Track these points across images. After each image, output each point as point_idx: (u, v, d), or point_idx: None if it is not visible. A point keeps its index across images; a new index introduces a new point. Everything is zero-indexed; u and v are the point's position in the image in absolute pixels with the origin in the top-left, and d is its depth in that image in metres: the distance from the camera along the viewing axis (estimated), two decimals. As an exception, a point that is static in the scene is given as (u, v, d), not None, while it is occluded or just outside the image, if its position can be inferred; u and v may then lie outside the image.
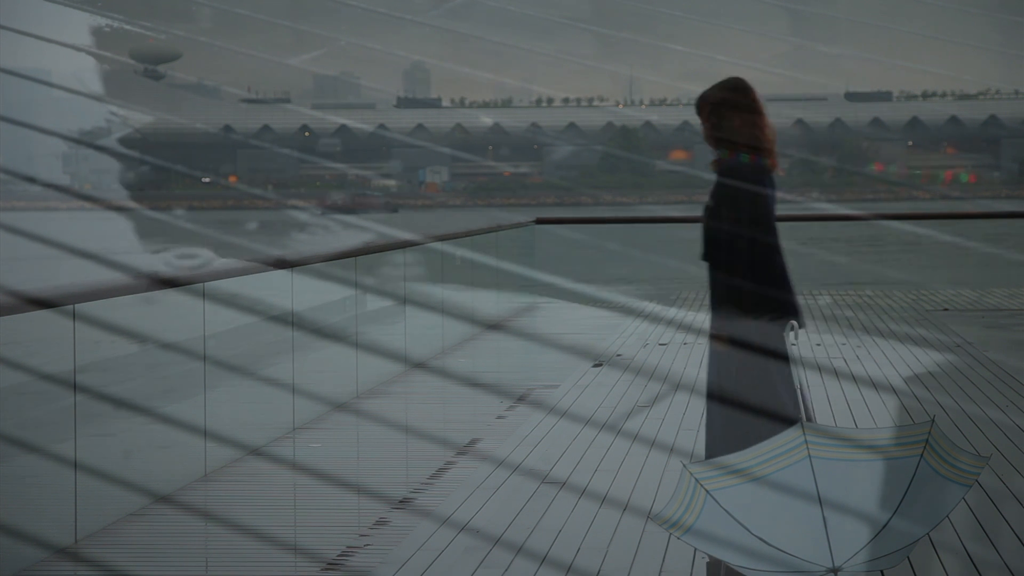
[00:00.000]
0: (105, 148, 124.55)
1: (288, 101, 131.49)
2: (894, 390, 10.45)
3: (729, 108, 5.80)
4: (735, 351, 5.87)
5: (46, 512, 6.70)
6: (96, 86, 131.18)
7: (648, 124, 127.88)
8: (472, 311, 15.19)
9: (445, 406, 10.70)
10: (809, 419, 5.83)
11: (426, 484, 7.61)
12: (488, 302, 16.09)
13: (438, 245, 14.10)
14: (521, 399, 10.36)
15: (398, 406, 10.34)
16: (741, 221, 5.81)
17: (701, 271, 5.82)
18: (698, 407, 9.83)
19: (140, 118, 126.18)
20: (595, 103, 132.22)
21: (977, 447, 8.11)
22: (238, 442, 8.40)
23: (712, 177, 5.85)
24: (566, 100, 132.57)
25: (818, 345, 13.16)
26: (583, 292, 19.79)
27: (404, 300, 12.35)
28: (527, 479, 7.57)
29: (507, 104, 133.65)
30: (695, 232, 5.99)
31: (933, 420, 4.82)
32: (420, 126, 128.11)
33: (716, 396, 5.92)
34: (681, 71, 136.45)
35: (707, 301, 6.09)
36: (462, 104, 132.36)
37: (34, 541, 6.28)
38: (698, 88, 5.88)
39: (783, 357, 6.04)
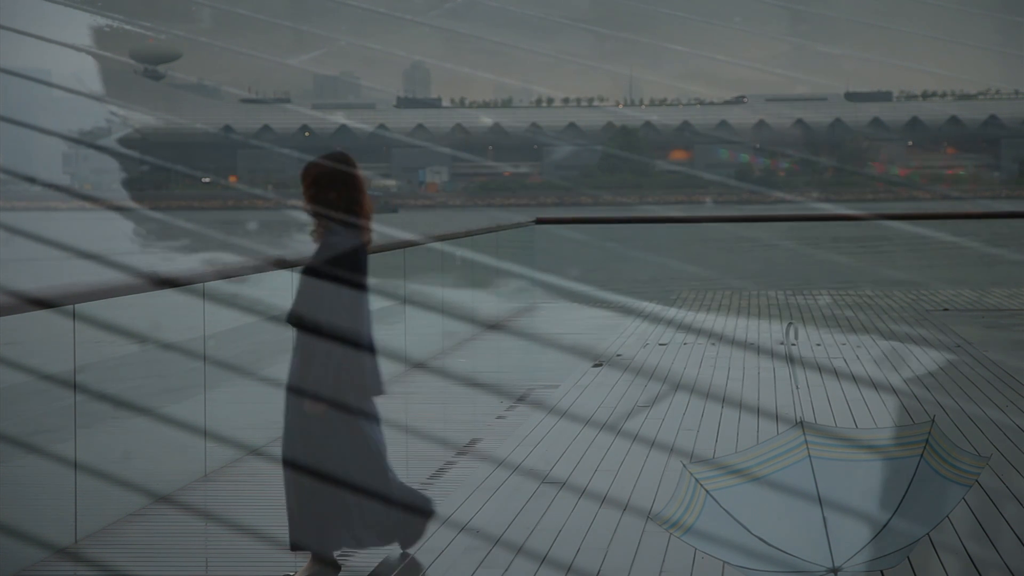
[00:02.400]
0: (105, 148, 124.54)
1: (288, 101, 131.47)
2: (894, 390, 10.44)
3: (328, 181, 5.88)
4: (328, 418, 5.93)
5: (46, 512, 6.70)
6: (96, 86, 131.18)
7: (648, 124, 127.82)
8: (472, 311, 15.19)
9: (445, 406, 10.70)
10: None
11: (426, 484, 7.61)
12: (488, 302, 16.09)
13: (438, 245, 14.10)
14: (521, 399, 10.36)
15: (398, 406, 10.34)
16: (334, 301, 5.90)
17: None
18: (698, 407, 9.83)
19: (140, 118, 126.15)
20: (595, 103, 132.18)
21: (977, 447, 8.11)
22: (238, 442, 8.40)
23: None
24: (566, 100, 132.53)
25: (818, 345, 13.16)
26: (583, 292, 19.80)
27: (404, 300, 12.35)
28: (527, 479, 7.57)
29: (507, 104, 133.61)
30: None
31: (933, 420, 4.82)
32: (420, 126, 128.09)
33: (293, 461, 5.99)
34: (681, 71, 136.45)
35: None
36: (462, 104, 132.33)
37: (34, 541, 6.28)
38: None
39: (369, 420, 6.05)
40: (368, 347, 6.01)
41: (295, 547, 5.97)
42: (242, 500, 7.44)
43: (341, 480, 5.94)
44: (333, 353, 5.83)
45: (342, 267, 5.88)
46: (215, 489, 7.60)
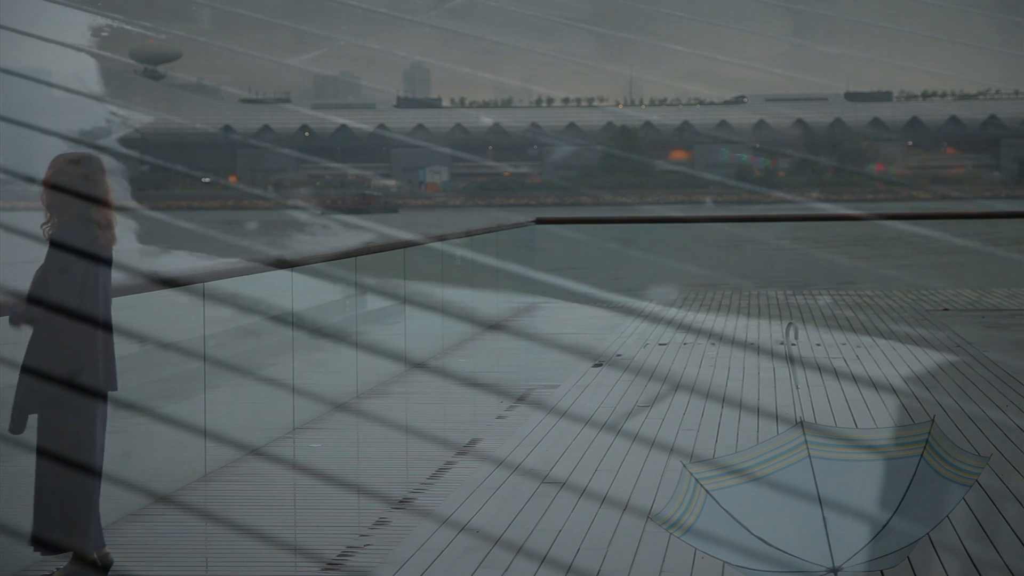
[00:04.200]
0: (105, 148, 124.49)
1: (288, 101, 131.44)
2: (894, 390, 10.44)
3: (68, 178, 5.88)
4: (56, 417, 5.87)
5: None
6: (96, 86, 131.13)
7: (648, 124, 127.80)
8: (472, 311, 15.19)
9: (445, 406, 10.70)
10: None
11: (426, 484, 7.61)
12: (488, 302, 16.10)
13: (438, 245, 14.11)
14: (521, 399, 10.36)
15: (398, 406, 10.34)
16: (68, 295, 5.86)
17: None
18: (698, 407, 9.83)
19: (140, 118, 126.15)
20: (595, 103, 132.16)
21: (977, 447, 8.11)
22: (238, 442, 8.40)
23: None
24: (566, 100, 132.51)
25: (818, 345, 13.16)
26: (583, 292, 19.80)
27: (404, 300, 12.35)
28: (527, 479, 7.57)
29: (507, 104, 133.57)
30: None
31: (933, 420, 4.82)
32: (420, 126, 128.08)
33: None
34: (681, 71, 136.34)
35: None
36: (462, 104, 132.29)
37: (34, 541, 6.27)
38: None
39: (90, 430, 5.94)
40: (104, 345, 5.99)
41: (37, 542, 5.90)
42: (242, 500, 7.44)
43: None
44: (61, 352, 5.82)
45: (74, 255, 5.89)
46: (215, 489, 7.60)
